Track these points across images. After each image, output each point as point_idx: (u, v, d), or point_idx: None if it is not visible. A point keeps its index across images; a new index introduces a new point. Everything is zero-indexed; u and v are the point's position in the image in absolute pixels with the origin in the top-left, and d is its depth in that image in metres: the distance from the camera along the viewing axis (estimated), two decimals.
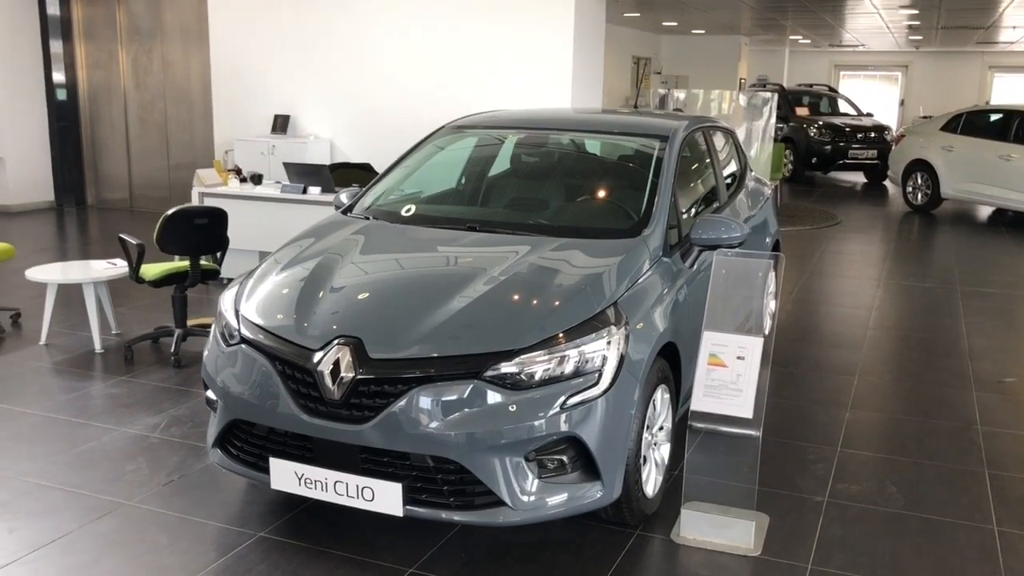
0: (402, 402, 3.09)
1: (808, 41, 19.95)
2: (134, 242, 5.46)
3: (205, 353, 3.65)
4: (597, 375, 3.20)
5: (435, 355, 3.14)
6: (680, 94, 12.27)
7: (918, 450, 4.47)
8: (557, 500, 3.18)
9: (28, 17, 11.47)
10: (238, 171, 7.79)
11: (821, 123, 16.27)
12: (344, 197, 4.59)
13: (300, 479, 3.25)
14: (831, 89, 18.48)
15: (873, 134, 16.26)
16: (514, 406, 3.08)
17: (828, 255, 9.77)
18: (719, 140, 5.47)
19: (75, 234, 10.34)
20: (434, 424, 3.07)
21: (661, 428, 3.74)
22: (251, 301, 3.56)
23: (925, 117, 18.38)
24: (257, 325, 3.44)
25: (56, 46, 11.69)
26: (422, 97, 8.98)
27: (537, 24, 8.48)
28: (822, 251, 9.95)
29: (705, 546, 3.48)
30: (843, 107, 17.75)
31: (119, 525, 3.55)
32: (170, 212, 5.39)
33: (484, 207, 4.44)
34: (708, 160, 4.96)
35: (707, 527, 3.54)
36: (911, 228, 11.76)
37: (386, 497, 3.13)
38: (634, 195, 4.18)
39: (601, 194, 4.48)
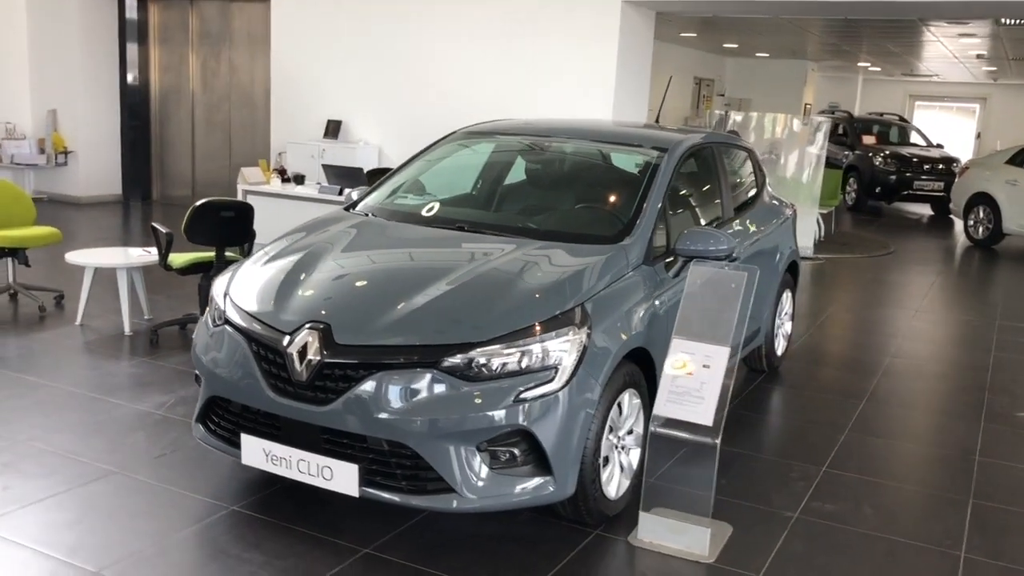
0: (361, 387, 3.23)
1: (879, 69, 19.64)
2: (164, 231, 5.73)
3: (195, 333, 3.85)
4: (554, 372, 3.29)
5: (396, 343, 3.27)
6: (737, 116, 12.23)
7: (906, 475, 4.43)
8: (507, 491, 3.27)
9: (107, 21, 12.05)
10: (282, 171, 8.07)
11: (887, 152, 15.99)
12: (354, 195, 4.77)
13: (267, 456, 3.41)
14: (901, 119, 18.15)
15: (941, 166, 15.90)
16: (468, 397, 3.19)
17: (870, 284, 9.63)
18: (733, 158, 5.50)
19: (136, 226, 10.80)
20: (390, 410, 3.19)
21: (631, 432, 3.80)
22: (238, 286, 3.75)
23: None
24: (240, 308, 3.62)
25: (132, 49, 12.25)
26: (468, 107, 9.15)
27: (582, 38, 8.60)
28: (865, 280, 9.81)
29: (660, 550, 3.53)
30: (914, 138, 17.42)
31: (106, 490, 3.76)
32: (198, 204, 5.65)
33: (477, 209, 4.57)
34: (714, 176, 5.00)
35: (664, 532, 3.58)
36: (966, 262, 11.49)
37: (343, 477, 3.27)
38: (624, 204, 4.26)
39: (592, 201, 4.56)
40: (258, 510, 3.65)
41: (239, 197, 7.75)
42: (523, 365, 3.26)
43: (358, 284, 3.62)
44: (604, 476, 3.58)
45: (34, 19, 11.86)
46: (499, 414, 3.20)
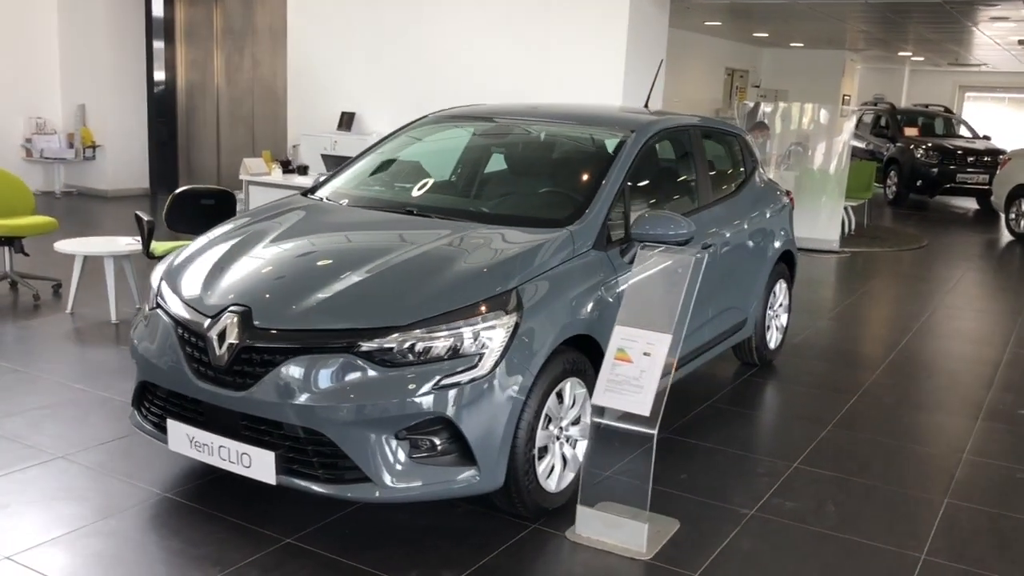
0: (277, 372, 3.14)
1: (922, 59, 19.02)
2: (146, 219, 5.73)
3: (135, 319, 3.81)
4: (477, 359, 3.16)
5: (313, 328, 3.18)
6: (767, 107, 11.95)
7: (881, 473, 4.20)
8: (428, 481, 3.15)
9: (135, 18, 12.21)
10: (286, 163, 8.06)
11: (929, 145, 15.47)
12: (322, 180, 4.69)
13: (191, 442, 3.34)
14: (947, 110, 17.57)
15: (987, 158, 15.33)
16: (385, 383, 3.08)
17: (893, 278, 9.30)
18: (716, 143, 5.31)
19: (158, 218, 10.89)
20: (305, 395, 3.10)
21: (577, 423, 3.65)
22: (173, 271, 3.70)
23: None
24: (170, 292, 3.56)
25: (159, 45, 12.40)
26: (480, 97, 9.03)
27: (592, 25, 8.45)
28: (890, 274, 9.48)
29: (597, 545, 3.38)
30: (962, 130, 16.84)
31: (45, 473, 3.73)
32: (177, 192, 5.65)
33: (431, 193, 4.45)
34: (691, 161, 4.81)
35: (601, 527, 3.43)
36: (1003, 256, 11.06)
37: (261, 465, 3.18)
38: (579, 188, 4.11)
39: (549, 185, 4.42)
40: (190, 498, 3.58)
41: (242, 187, 7.75)
42: (444, 351, 3.14)
43: (285, 268, 3.53)
44: (541, 468, 3.44)
45: (64, 17, 12.06)
46: (417, 401, 3.08)
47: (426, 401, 3.09)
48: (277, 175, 7.75)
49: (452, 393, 3.11)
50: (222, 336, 3.25)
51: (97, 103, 12.13)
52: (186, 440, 3.35)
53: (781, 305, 5.87)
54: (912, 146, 15.53)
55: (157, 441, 3.53)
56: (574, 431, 3.65)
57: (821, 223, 10.85)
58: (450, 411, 3.11)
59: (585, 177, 4.16)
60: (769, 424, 4.82)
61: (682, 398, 5.09)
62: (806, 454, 4.37)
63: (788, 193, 6.00)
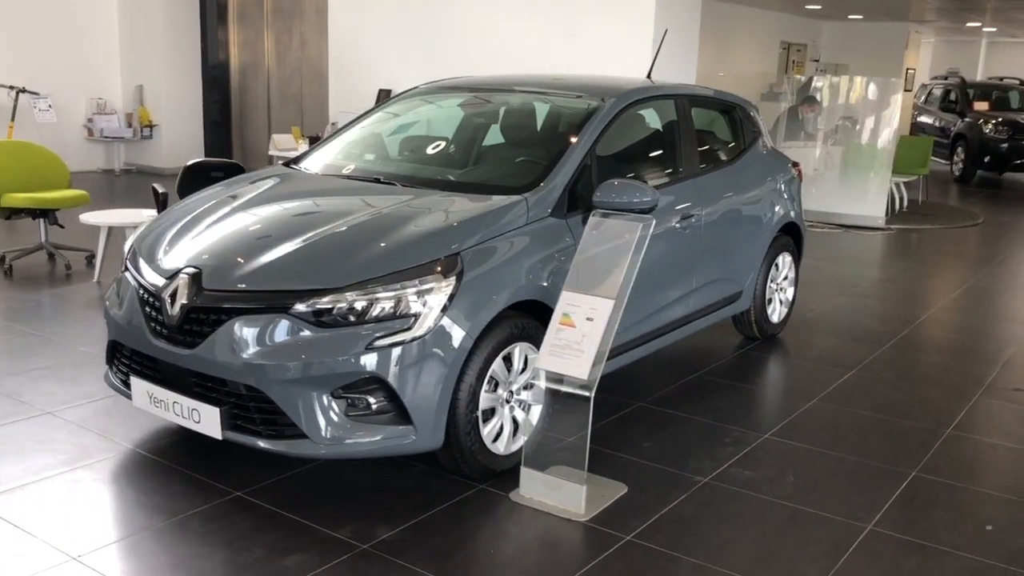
0: (220, 331, 3.26)
1: (994, 29, 18.22)
2: (160, 191, 5.94)
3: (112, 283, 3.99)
4: (412, 320, 3.23)
5: (254, 289, 3.29)
6: (819, 82, 11.68)
7: (854, 446, 4.13)
8: (363, 439, 3.24)
9: (190, 2, 12.56)
10: (314, 138, 8.24)
11: (999, 119, 14.88)
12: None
13: (151, 398, 3.50)
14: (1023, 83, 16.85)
15: None
16: (319, 342, 3.18)
17: (934, 255, 9.03)
18: (709, 112, 5.25)
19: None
20: (244, 354, 3.22)
21: (529, 387, 3.69)
22: (142, 236, 3.86)
23: None
24: (137, 255, 3.72)
25: (212, 28, 12.73)
26: (511, 71, 9.08)
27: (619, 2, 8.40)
28: (931, 251, 9.21)
29: (538, 506, 3.43)
30: None
31: (28, 427, 3.94)
32: (189, 163, 5.83)
33: (404, 162, 4.52)
34: (675, 129, 4.77)
35: (543, 488, 3.47)
36: None
37: (209, 420, 3.32)
38: (545, 155, 4.12)
39: (517, 153, 4.44)
40: (157, 453, 3.75)
41: (270, 162, 7.96)
42: (379, 312, 3.22)
43: (240, 232, 3.64)
44: (486, 430, 3.50)
45: (124, 2, 12.48)
46: (350, 360, 3.17)
47: (359, 361, 3.17)
48: (303, 149, 7.92)
49: (385, 353, 3.18)
50: (174, 296, 3.39)
51: (154, 84, 12.54)
52: (147, 396, 3.51)
53: (786, 279, 5.78)
54: (981, 121, 14.97)
55: (125, 398, 3.70)
56: (526, 395, 3.69)
57: (868, 199, 10.58)
58: (383, 371, 3.18)
59: (553, 145, 4.17)
60: (753, 396, 4.77)
61: (672, 368, 5.09)
62: (781, 426, 4.32)
63: (796, 165, 5.89)
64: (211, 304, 3.31)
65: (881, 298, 7.12)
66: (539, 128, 4.55)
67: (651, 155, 4.80)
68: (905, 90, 16.25)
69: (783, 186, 5.61)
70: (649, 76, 5.59)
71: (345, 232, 3.49)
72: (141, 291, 3.56)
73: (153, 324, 3.46)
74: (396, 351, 3.19)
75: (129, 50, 12.62)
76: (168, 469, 3.61)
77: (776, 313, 5.71)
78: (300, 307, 3.21)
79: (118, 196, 10.61)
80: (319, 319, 3.20)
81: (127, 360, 3.67)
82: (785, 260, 5.71)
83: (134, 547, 3.03)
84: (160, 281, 3.48)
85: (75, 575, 2.85)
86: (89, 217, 6.44)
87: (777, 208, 5.47)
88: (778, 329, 5.78)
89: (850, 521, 3.41)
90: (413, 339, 3.21)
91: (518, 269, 3.57)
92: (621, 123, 4.39)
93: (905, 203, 11.51)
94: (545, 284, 3.65)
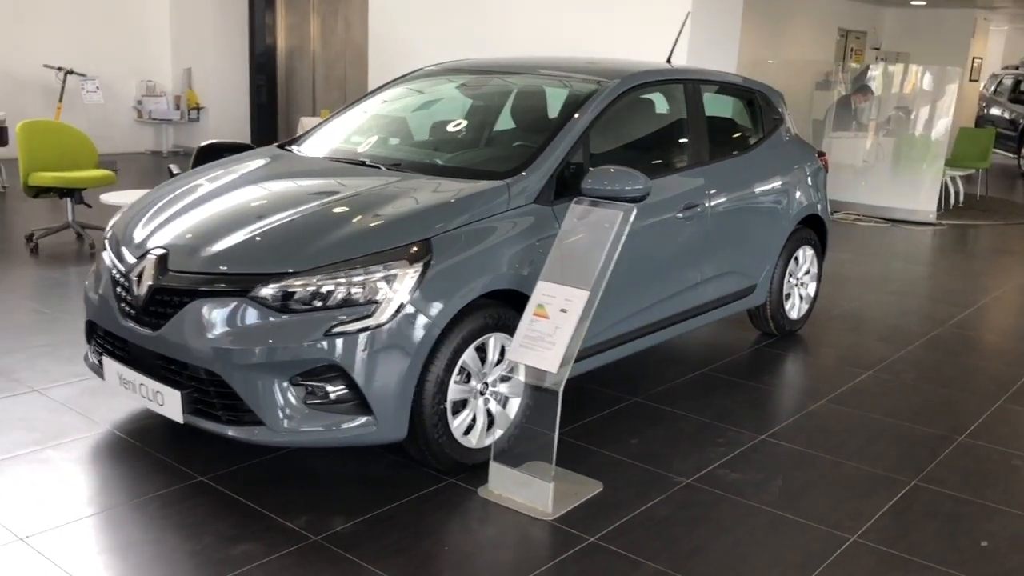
0: (182, 313, 3.21)
1: None
2: (175, 171, 5.95)
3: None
4: (374, 308, 3.13)
5: (214, 271, 3.23)
6: (875, 70, 11.28)
7: (856, 451, 3.92)
8: (322, 428, 3.16)
9: None
10: None
11: None
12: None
13: (120, 379, 3.47)
14: None
15: None
16: (277, 327, 3.10)
17: (982, 252, 8.64)
18: (723, 99, 5.05)
19: None
20: (202, 337, 3.15)
21: (508, 380, 3.57)
22: (123, 217, 3.83)
23: None
24: (114, 236, 3.70)
25: (260, 12, 12.82)
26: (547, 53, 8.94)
27: None
28: (981, 248, 8.81)
29: (506, 503, 3.30)
30: None
31: (12, 404, 3.93)
32: (203, 144, 5.83)
33: (393, 145, 4.41)
34: (683, 116, 4.58)
35: (511, 484, 3.35)
36: None
37: (171, 403, 3.27)
38: (536, 140, 3.97)
39: (509, 137, 4.30)
40: (132, 434, 3.72)
41: None
42: (339, 298, 3.12)
43: (211, 214, 3.58)
44: (456, 423, 3.39)
45: None
46: (307, 347, 3.08)
47: (316, 348, 3.09)
48: None
49: (343, 341, 3.09)
50: (140, 277, 3.34)
51: (203, 67, 12.68)
52: (117, 377, 3.48)
53: (808, 273, 5.54)
54: None
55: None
56: (503, 388, 3.57)
57: (920, 193, 10.18)
58: (340, 359, 3.09)
59: (543, 129, 4.03)
60: (758, 395, 4.57)
61: (679, 363, 4.92)
62: (780, 427, 4.13)
63: (821, 155, 5.64)
64: (174, 285, 3.26)
65: (917, 296, 6.81)
66: (533, 112, 4.40)
67: (653, 141, 4.62)
68: (971, 80, 15.66)
69: (805, 177, 5.36)
70: (669, 60, 5.40)
71: (312, 216, 3.41)
72: (114, 271, 3.53)
73: (122, 304, 3.43)
74: (355, 339, 3.10)
75: (179, 33, 12.77)
76: (139, 451, 3.58)
77: (795, 309, 5.48)
78: (258, 291, 3.13)
79: (161, 177, 10.73)
80: (277, 304, 3.12)
81: (101, 340, 3.65)
82: (806, 254, 5.47)
83: (85, 529, 2.99)
84: (131, 261, 3.44)
85: (17, 556, 2.82)
86: (109, 197, 6.49)
87: (797, 199, 5.23)
88: (797, 326, 5.55)
89: (833, 531, 3.22)
90: (373, 327, 3.11)
91: (495, 257, 3.45)
92: (621, 108, 4.23)
93: (961, 198, 11.07)
94: (525, 273, 3.52)
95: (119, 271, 3.49)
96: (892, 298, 6.67)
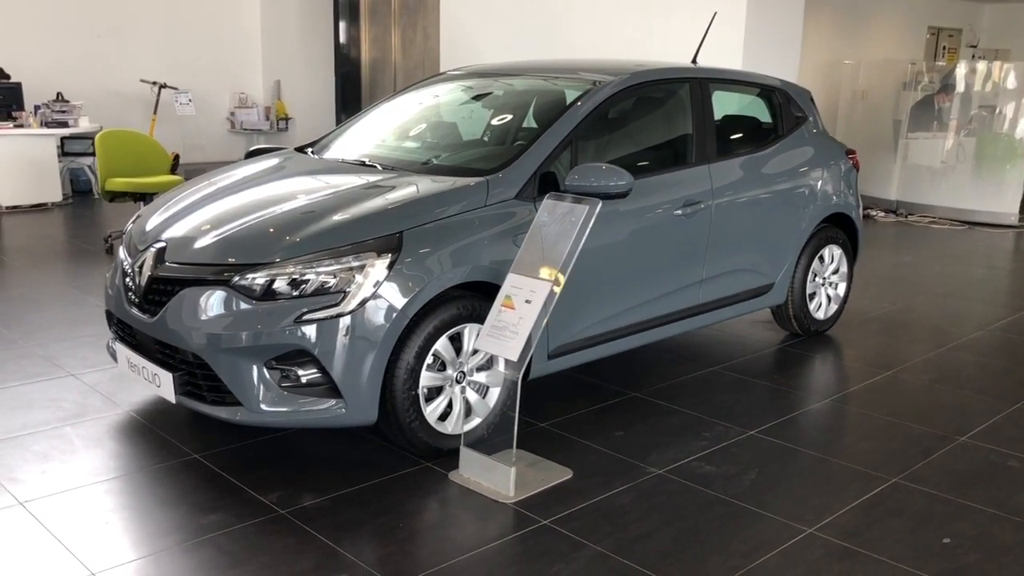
0: (173, 301, 3.47)
1: None
2: None
3: None
4: (342, 296, 3.32)
5: (200, 262, 3.48)
6: (961, 69, 10.91)
7: (843, 448, 3.89)
8: (295, 409, 3.36)
9: (325, 1, 13.20)
10: None
11: None
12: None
13: (128, 363, 3.77)
14: None
15: None
16: (252, 314, 3.32)
17: None
18: (737, 97, 5.05)
19: None
20: (188, 323, 3.41)
21: (486, 369, 3.70)
22: (143, 213, 4.14)
23: None
24: (129, 232, 4.01)
25: (344, 26, 13.32)
26: (605, 56, 9.01)
27: None
28: None
29: (473, 486, 3.44)
30: None
31: (48, 386, 4.28)
32: (250, 149, 6.15)
33: (395, 146, 4.58)
34: (688, 114, 4.61)
35: (479, 469, 3.48)
36: None
37: (166, 385, 3.54)
38: (526, 138, 4.10)
39: (504, 136, 4.43)
40: (146, 416, 4.01)
41: None
42: (311, 287, 3.32)
43: (211, 210, 3.84)
44: (429, 409, 3.54)
45: (266, 2, 13.26)
46: (279, 333, 3.29)
47: (287, 333, 3.29)
48: None
49: (312, 328, 3.29)
50: (142, 268, 3.64)
51: (291, 79, 13.24)
52: (126, 361, 3.78)
53: (836, 273, 5.47)
54: None
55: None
56: (481, 377, 3.70)
57: (1002, 194, 9.79)
58: (309, 344, 3.29)
59: (532, 128, 4.15)
60: (762, 393, 4.55)
61: (692, 360, 4.95)
62: (773, 424, 4.12)
63: (851, 153, 5.55)
64: (168, 275, 3.53)
65: (966, 298, 6.58)
66: (527, 112, 4.52)
67: (652, 140, 4.67)
68: None
69: (831, 175, 5.29)
70: (694, 61, 5.43)
71: (295, 211, 3.62)
72: (124, 264, 3.83)
73: (129, 294, 3.72)
74: (322, 325, 3.29)
75: (269, 47, 13.37)
76: (147, 431, 3.87)
77: (822, 309, 5.42)
78: (237, 280, 3.36)
79: None
80: (254, 292, 3.34)
81: (115, 328, 3.96)
82: (833, 253, 5.40)
83: (74, 499, 3.26)
84: (136, 253, 3.74)
85: (15, 519, 3.12)
86: None
87: (820, 197, 5.18)
88: (825, 326, 5.48)
89: (792, 523, 3.23)
90: (340, 314, 3.30)
91: (469, 250, 3.59)
92: (618, 107, 4.32)
93: None
94: (500, 266, 3.64)
95: (128, 263, 3.79)
96: (939, 300, 6.48)
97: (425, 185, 3.76)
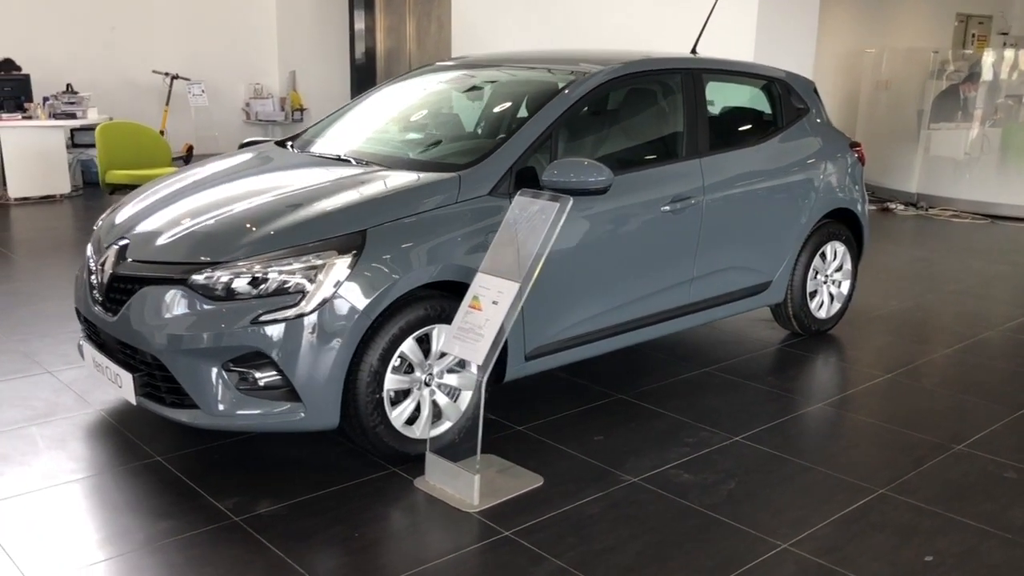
0: (132, 300, 3.38)
1: None
2: None
3: None
4: (300, 297, 3.21)
5: (159, 260, 3.38)
6: (989, 57, 10.60)
7: (832, 457, 3.72)
8: (253, 412, 3.26)
9: None
10: None
11: None
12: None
13: (94, 362, 3.69)
14: None
15: None
16: (208, 315, 3.22)
17: None
18: (731, 88, 4.87)
19: None
20: (145, 323, 3.31)
21: (457, 371, 3.58)
22: (113, 210, 4.05)
23: None
24: (98, 228, 3.93)
25: (359, 16, 13.22)
26: (620, 46, 8.84)
27: None
28: None
29: (437, 494, 3.32)
30: None
31: (23, 384, 4.22)
32: (244, 142, 6.07)
33: (374, 141, 4.45)
34: (675, 106, 4.45)
35: (443, 475, 3.36)
36: None
37: (127, 386, 3.45)
38: (505, 132, 3.96)
39: (485, 131, 4.28)
40: (116, 417, 3.93)
41: None
42: (269, 288, 3.21)
43: (176, 207, 3.74)
44: (394, 413, 3.43)
45: None
46: (235, 334, 3.19)
47: (243, 335, 3.18)
48: None
49: (269, 329, 3.18)
50: (104, 265, 3.55)
51: (305, 70, 13.18)
52: (91, 360, 3.71)
53: (840, 270, 5.28)
54: None
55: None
56: (452, 380, 3.57)
57: None
58: (266, 346, 3.18)
59: (512, 122, 4.01)
60: (753, 395, 4.38)
61: (686, 360, 4.81)
62: (760, 429, 3.96)
63: (855, 146, 5.35)
64: (129, 273, 3.44)
65: (983, 296, 6.35)
66: (507, 105, 4.38)
67: (640, 133, 4.50)
68: None
69: (833, 169, 5.10)
70: (694, 51, 5.27)
71: (257, 208, 3.51)
72: (90, 260, 3.75)
73: (93, 292, 3.64)
74: (280, 327, 3.18)
75: (285, 38, 13.31)
76: (114, 431, 3.79)
77: (824, 308, 5.23)
78: (194, 279, 3.26)
79: None
80: (209, 292, 3.24)
81: (83, 326, 3.88)
82: (836, 250, 5.21)
83: (28, 504, 3.18)
84: (100, 251, 3.66)
85: None
86: None
87: (821, 192, 4.99)
88: (827, 325, 5.29)
89: (766, 537, 3.07)
90: (299, 315, 3.19)
91: (438, 248, 3.46)
92: (603, 100, 4.17)
93: None
94: (472, 266, 3.52)
95: (93, 260, 3.71)
96: (951, 298, 6.26)
97: (394, 181, 3.64)
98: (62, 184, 9.48)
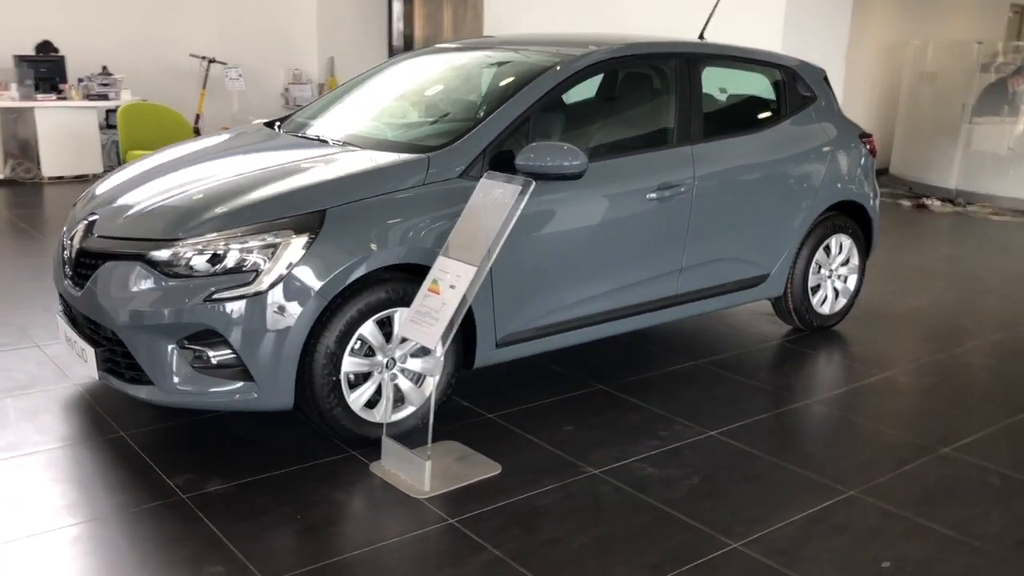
0: (95, 275, 3.39)
1: None
2: None
3: None
4: (254, 276, 3.18)
5: (119, 236, 3.39)
6: None
7: (806, 455, 3.59)
8: (206, 391, 3.25)
9: None
10: None
11: None
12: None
13: (66, 336, 3.72)
14: None
15: None
16: (163, 291, 3.21)
17: None
18: (729, 75, 4.73)
19: None
20: (104, 298, 3.32)
21: (421, 356, 3.53)
22: (92, 186, 4.08)
23: None
24: (76, 204, 3.96)
25: (397, 3, 13.23)
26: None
27: None
28: None
29: (390, 479, 3.28)
30: None
31: (9, 355, 4.30)
32: (255, 122, 6.09)
33: (357, 122, 4.40)
34: (667, 92, 4.33)
35: (398, 461, 3.32)
36: None
37: (91, 360, 3.47)
38: (477, 115, 3.89)
39: (462, 112, 4.20)
40: (91, 391, 3.94)
41: None
42: (225, 265, 3.19)
43: (147, 184, 3.73)
44: (353, 396, 3.39)
45: None
46: (188, 311, 3.17)
47: (196, 312, 3.17)
48: None
49: (222, 307, 3.16)
50: (73, 240, 3.57)
51: (344, 55, 13.22)
52: (64, 334, 3.74)
53: (845, 265, 5.10)
54: None
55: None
56: (415, 364, 3.52)
57: None
58: (218, 324, 3.16)
59: (491, 105, 3.92)
60: (739, 390, 4.24)
61: (677, 352, 4.72)
62: (739, 425, 3.84)
63: (866, 136, 5.16)
64: (94, 248, 3.45)
65: (1004, 296, 6.11)
66: (489, 88, 4.30)
67: (627, 118, 4.39)
68: None
69: (839, 160, 4.93)
70: (701, 37, 5.13)
71: (220, 185, 3.49)
72: (64, 235, 3.78)
73: (64, 266, 3.67)
74: (234, 305, 3.16)
75: (324, 24, 13.37)
76: (86, 406, 3.82)
77: (827, 303, 5.07)
78: (151, 255, 3.26)
79: None
80: (166, 268, 3.23)
81: (60, 301, 3.92)
82: (842, 244, 5.04)
83: None
84: (72, 226, 3.68)
85: None
86: None
87: (825, 183, 4.82)
88: (831, 321, 5.13)
89: (718, 535, 2.97)
90: (251, 294, 3.16)
91: (401, 230, 3.41)
92: (588, 84, 4.07)
93: None
94: (437, 249, 3.46)
95: (66, 234, 3.73)
96: (970, 296, 6.03)
97: (360, 162, 3.59)
98: (95, 164, 9.65)
